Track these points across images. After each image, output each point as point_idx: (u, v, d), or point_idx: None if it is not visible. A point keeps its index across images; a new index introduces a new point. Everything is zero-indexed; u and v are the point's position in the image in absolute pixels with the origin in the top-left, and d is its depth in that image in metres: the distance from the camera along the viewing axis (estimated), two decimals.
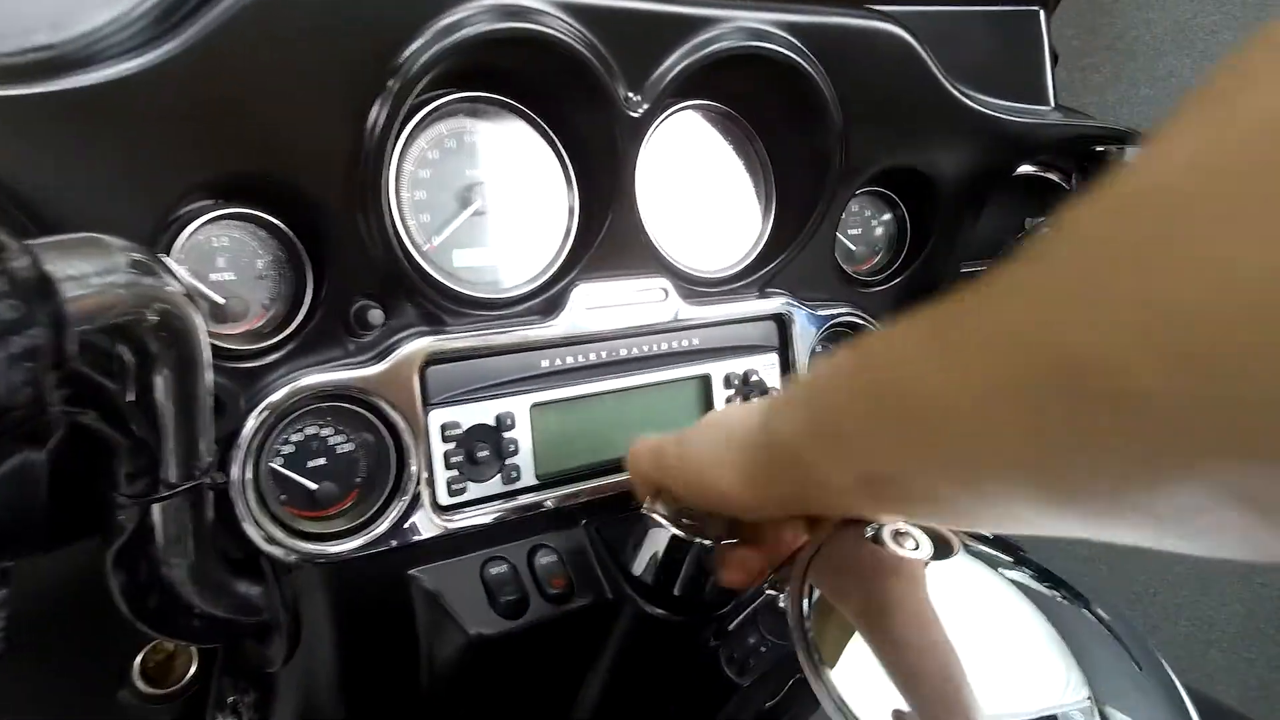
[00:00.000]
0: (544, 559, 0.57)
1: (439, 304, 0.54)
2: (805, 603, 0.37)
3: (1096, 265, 0.22)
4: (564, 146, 0.60)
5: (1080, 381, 0.21)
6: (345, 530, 0.52)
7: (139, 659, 0.63)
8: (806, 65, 0.61)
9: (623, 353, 0.61)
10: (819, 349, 0.71)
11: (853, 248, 0.77)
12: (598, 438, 0.60)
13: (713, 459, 0.40)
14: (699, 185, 0.67)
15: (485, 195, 0.58)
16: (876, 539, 0.39)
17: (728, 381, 0.66)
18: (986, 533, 0.42)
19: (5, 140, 0.40)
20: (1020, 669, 0.36)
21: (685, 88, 0.59)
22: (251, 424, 0.48)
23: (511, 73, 0.57)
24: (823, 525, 0.41)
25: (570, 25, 0.53)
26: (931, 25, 0.69)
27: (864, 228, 0.77)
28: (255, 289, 0.51)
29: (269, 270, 0.51)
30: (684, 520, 0.46)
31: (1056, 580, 0.40)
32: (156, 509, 0.42)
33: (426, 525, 0.54)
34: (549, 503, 0.58)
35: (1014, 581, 0.39)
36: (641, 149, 0.60)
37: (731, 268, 0.68)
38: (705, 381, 0.65)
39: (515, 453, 0.57)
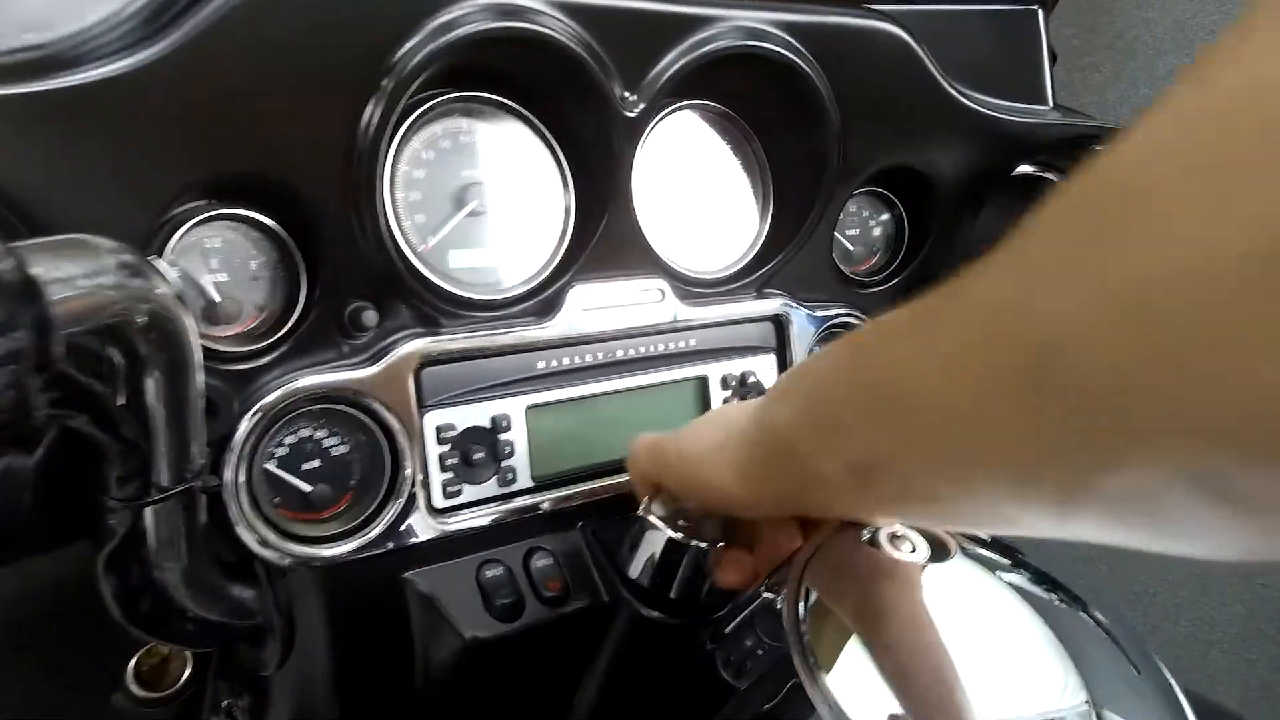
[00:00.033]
0: (540, 561, 0.57)
1: (434, 305, 0.54)
2: (801, 605, 0.37)
3: (1063, 242, 0.23)
4: (560, 146, 0.60)
5: (1047, 357, 0.22)
6: (340, 533, 0.52)
7: (133, 662, 0.63)
8: (804, 65, 0.61)
9: (619, 354, 0.61)
10: (817, 350, 0.71)
11: (851, 248, 0.76)
12: (594, 440, 0.60)
13: (710, 455, 0.40)
14: (696, 185, 0.67)
15: (481, 196, 0.57)
16: (873, 542, 0.39)
17: (725, 383, 0.65)
18: (983, 535, 0.41)
19: None
20: (1018, 673, 0.36)
21: (682, 87, 0.59)
22: (245, 426, 0.48)
23: (507, 72, 0.57)
24: (819, 528, 0.41)
25: (566, 24, 0.52)
26: (929, 24, 0.69)
27: (862, 228, 0.77)
28: (249, 290, 0.50)
29: (263, 271, 0.50)
30: (680, 522, 0.46)
31: (1054, 583, 0.40)
32: (148, 512, 0.42)
33: (422, 528, 0.53)
34: (545, 505, 0.58)
35: (1011, 584, 0.39)
36: (638, 149, 0.59)
37: (729, 268, 0.68)
38: (702, 383, 0.65)
39: (511, 455, 0.56)
